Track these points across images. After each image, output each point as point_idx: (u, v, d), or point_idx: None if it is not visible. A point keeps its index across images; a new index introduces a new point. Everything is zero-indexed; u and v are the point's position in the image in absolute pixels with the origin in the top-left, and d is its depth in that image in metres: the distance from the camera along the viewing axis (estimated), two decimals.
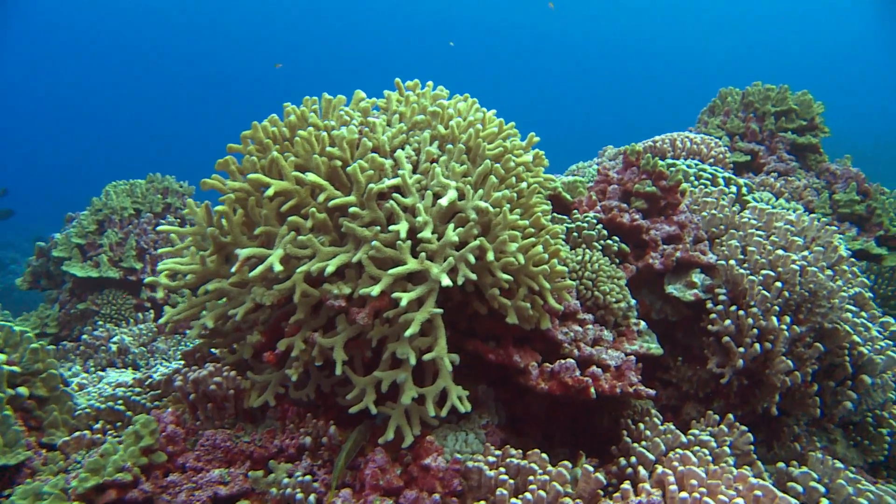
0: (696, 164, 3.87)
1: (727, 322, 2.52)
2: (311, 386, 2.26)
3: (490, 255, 2.10)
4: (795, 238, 2.73)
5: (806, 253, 2.65)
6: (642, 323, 2.59)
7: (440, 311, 2.02)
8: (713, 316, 2.59)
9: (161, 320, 2.31)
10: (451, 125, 2.34)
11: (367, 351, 2.19)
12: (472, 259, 2.05)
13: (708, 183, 3.65)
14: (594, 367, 2.25)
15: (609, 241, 2.67)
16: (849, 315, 2.65)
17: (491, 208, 2.09)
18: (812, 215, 2.98)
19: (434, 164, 2.25)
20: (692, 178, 3.68)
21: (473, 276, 2.07)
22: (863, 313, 2.78)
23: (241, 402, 2.24)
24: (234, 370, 2.25)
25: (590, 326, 2.39)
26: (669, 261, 2.69)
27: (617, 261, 2.73)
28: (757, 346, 2.43)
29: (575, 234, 2.66)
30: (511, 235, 2.15)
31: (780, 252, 2.60)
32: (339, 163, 2.18)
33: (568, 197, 2.86)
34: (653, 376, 2.84)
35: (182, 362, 2.64)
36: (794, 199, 4.20)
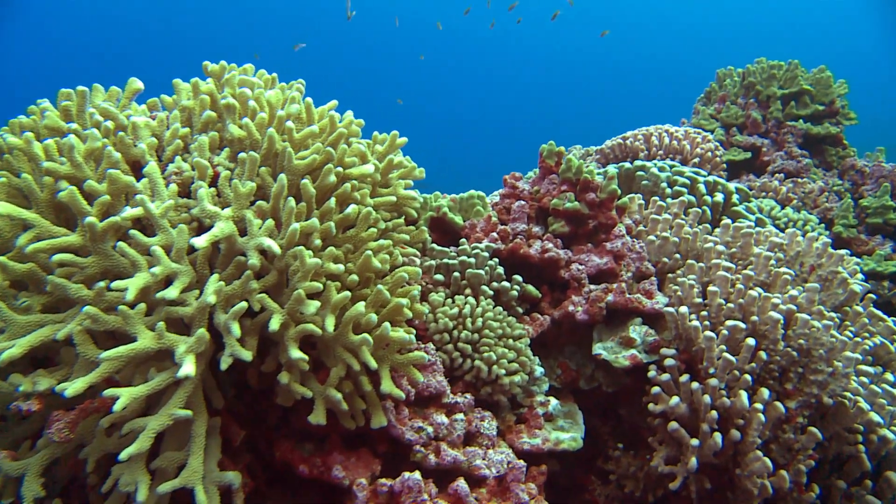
0: (672, 167, 3.19)
1: (673, 400, 1.85)
2: None
3: (276, 321, 1.46)
4: (782, 270, 2.05)
5: (795, 293, 1.97)
6: (553, 402, 1.93)
7: (187, 413, 1.39)
8: (656, 390, 1.91)
9: None
10: (247, 123, 1.70)
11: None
12: (235, 330, 1.42)
13: (684, 191, 2.98)
14: (459, 482, 1.59)
15: (504, 284, 2.00)
16: (863, 381, 1.96)
17: (276, 248, 1.47)
18: (816, 234, 2.30)
19: (202, 182, 1.62)
20: (663, 185, 3.01)
21: (246, 356, 1.44)
22: (889, 375, 2.09)
23: None
24: None
25: (459, 416, 1.73)
26: (597, 307, 2.02)
27: (521, 310, 2.07)
28: (717, 436, 1.76)
29: (457, 274, 2.00)
30: (310, 289, 1.50)
31: (754, 293, 1.92)
32: (66, 184, 1.55)
33: (457, 220, 2.20)
34: (589, 467, 2.18)
35: None
36: (807, 206, 3.50)
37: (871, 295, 2.25)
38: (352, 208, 1.68)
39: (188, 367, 1.34)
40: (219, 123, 1.85)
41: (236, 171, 1.69)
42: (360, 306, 1.55)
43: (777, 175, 3.67)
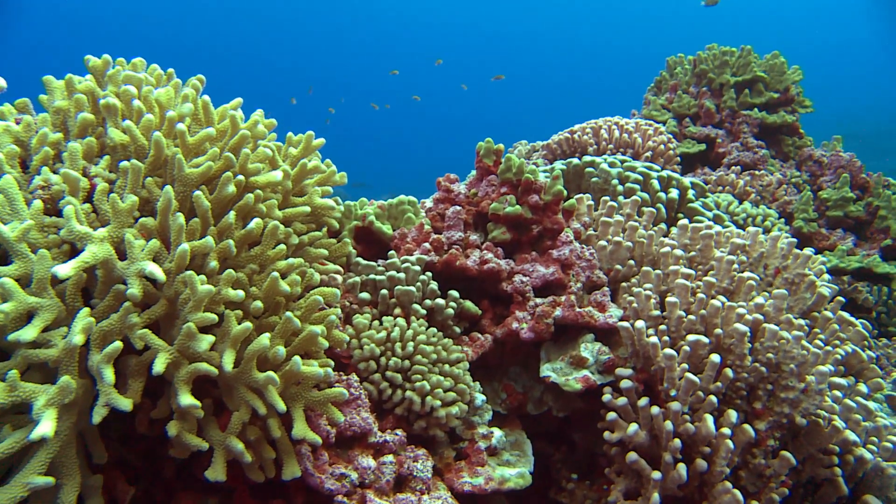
0: (623, 162, 3.05)
1: (631, 428, 1.69)
2: None
3: (160, 363, 1.26)
4: (746, 275, 1.91)
5: (761, 300, 1.83)
6: (496, 434, 1.77)
7: (47, 481, 1.18)
8: (612, 416, 1.75)
9: None
10: (128, 127, 1.49)
11: None
12: (108, 376, 1.21)
13: (636, 188, 2.84)
14: None
15: (439, 301, 1.82)
16: (836, 396, 1.84)
17: (160, 274, 1.26)
18: (778, 234, 2.19)
19: (71, 198, 1.40)
20: (614, 182, 2.87)
21: (124, 404, 1.24)
22: (861, 386, 1.97)
23: None
24: None
25: (388, 458, 1.55)
26: (543, 324, 1.86)
27: (459, 330, 1.89)
28: (681, 467, 1.61)
29: (385, 291, 1.82)
30: (202, 321, 1.30)
31: (717, 303, 1.78)
32: None
33: (385, 229, 2.01)
34: (541, 498, 2.02)
35: None
36: (765, 200, 3.40)
37: (839, 298, 2.13)
38: (255, 223, 1.49)
39: (45, 426, 1.13)
40: (100, 128, 1.63)
41: (117, 184, 1.48)
42: (265, 339, 1.36)
43: (734, 168, 3.57)
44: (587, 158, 3.14)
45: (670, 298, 1.81)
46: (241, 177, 1.55)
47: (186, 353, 1.33)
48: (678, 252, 1.97)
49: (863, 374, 2.09)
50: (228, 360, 1.33)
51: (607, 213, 2.18)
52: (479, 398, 1.79)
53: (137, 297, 1.29)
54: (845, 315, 2.08)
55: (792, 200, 3.39)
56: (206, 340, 1.31)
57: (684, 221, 2.13)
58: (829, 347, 1.94)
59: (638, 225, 2.10)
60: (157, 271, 1.29)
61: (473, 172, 2.18)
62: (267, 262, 1.53)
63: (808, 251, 2.06)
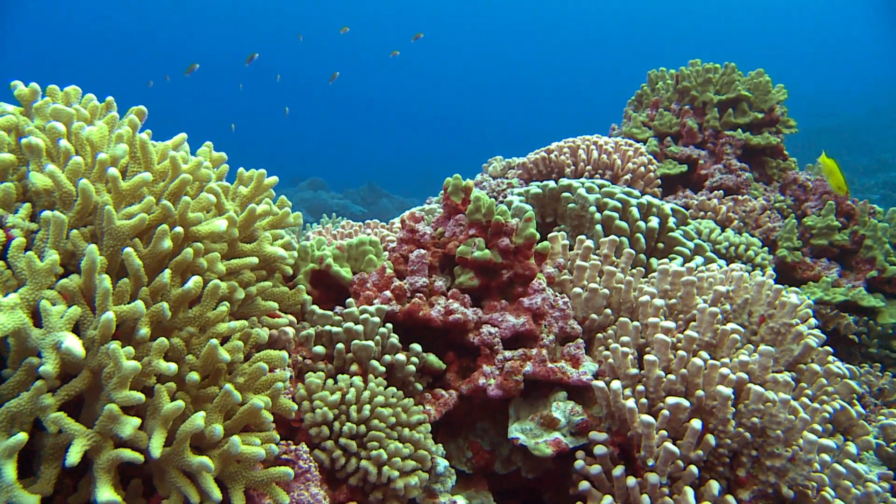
0: (602, 186, 2.95)
1: (606, 501, 1.59)
2: None
3: (75, 452, 1.13)
4: (730, 328, 1.81)
5: (745, 357, 1.73)
6: (459, 502, 1.64)
7: None
8: (585, 485, 1.65)
9: None
10: (51, 171, 1.36)
11: None
12: (7, 474, 1.08)
13: (615, 216, 2.74)
14: None
15: (399, 357, 1.70)
16: (824, 460, 1.74)
17: (78, 350, 1.13)
18: (764, 279, 2.09)
19: None
20: (591, 210, 2.76)
21: (29, 502, 1.10)
22: (850, 446, 1.87)
23: None
24: None
25: None
26: (512, 381, 1.74)
27: (420, 386, 1.77)
28: None
29: (341, 345, 1.69)
30: (126, 401, 1.18)
31: (699, 361, 1.68)
32: None
33: (344, 273, 1.89)
34: None
35: None
36: (748, 226, 3.31)
37: (828, 347, 2.04)
38: (194, 281, 1.36)
39: None
40: (23, 167, 1.49)
41: (38, 235, 1.35)
42: (199, 419, 1.23)
43: (716, 192, 3.47)
44: (564, 182, 3.04)
45: (648, 357, 1.70)
46: (179, 229, 1.41)
47: (108, 435, 1.20)
48: (657, 302, 1.87)
49: (851, 430, 2.00)
50: (157, 445, 1.20)
51: (583, 254, 2.07)
52: (442, 464, 1.67)
53: (52, 374, 1.15)
54: (833, 367, 1.99)
55: (776, 227, 3.31)
56: (131, 424, 1.18)
57: (665, 266, 2.03)
58: (816, 404, 1.85)
59: (615, 270, 1.99)
60: (76, 346, 1.16)
61: (440, 205, 2.06)
62: (207, 323, 1.40)
63: (794, 298, 1.96)
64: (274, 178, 1.76)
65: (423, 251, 1.88)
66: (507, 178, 3.73)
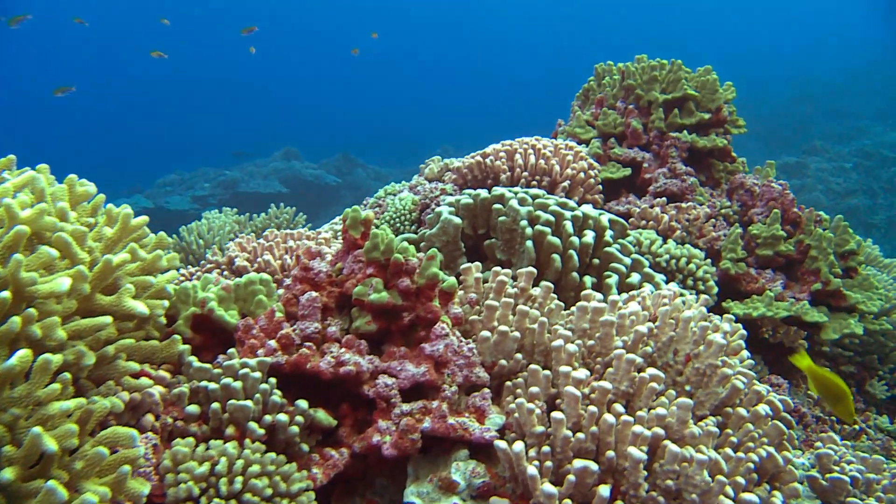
0: (536, 197, 2.82)
1: None
2: None
3: None
4: (649, 375, 1.70)
5: (663, 410, 1.62)
6: None
7: None
8: None
9: None
10: None
11: None
12: None
13: (547, 231, 2.61)
14: None
15: (281, 418, 1.56)
16: None
17: None
18: (691, 314, 1.99)
19: None
20: (522, 224, 2.63)
21: None
22: (776, 497, 1.77)
23: None
24: None
25: None
26: (408, 440, 1.61)
27: (307, 447, 1.63)
28: None
29: (217, 405, 1.54)
30: None
31: (610, 419, 1.56)
32: None
33: (228, 318, 1.73)
34: None
35: None
36: (692, 236, 3.20)
37: (757, 388, 1.93)
38: (19, 357, 1.19)
39: None
40: None
41: None
42: None
43: (658, 200, 3.35)
44: (497, 191, 2.90)
45: (556, 414, 1.57)
46: (5, 293, 1.25)
47: None
48: (570, 348, 1.74)
49: (779, 477, 1.90)
50: None
51: (497, 289, 1.93)
52: None
53: None
54: (760, 411, 1.88)
55: (720, 236, 3.20)
56: None
57: (583, 303, 1.90)
58: (741, 453, 1.74)
59: (527, 310, 1.86)
60: None
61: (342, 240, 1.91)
62: (37, 405, 1.25)
63: (718, 338, 1.84)
64: (143, 219, 1.60)
65: (314, 294, 1.73)
66: (443, 181, 3.58)
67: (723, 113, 3.65)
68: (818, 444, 2.45)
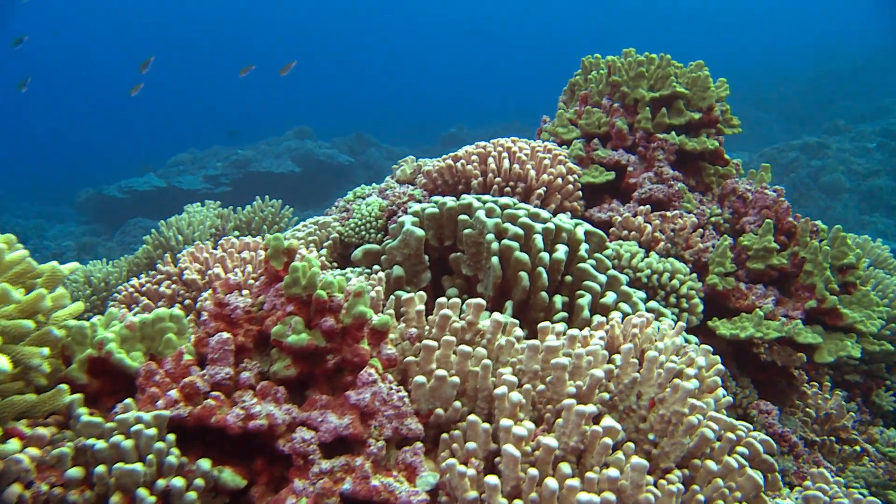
0: (505, 208, 2.62)
1: None
2: None
3: None
4: (602, 429, 1.51)
5: (614, 472, 1.43)
6: None
7: None
8: None
9: None
10: None
11: None
12: None
13: (515, 247, 2.42)
14: None
15: (175, 483, 1.37)
16: None
17: None
18: (654, 355, 1.80)
19: None
20: (489, 239, 2.44)
21: None
22: None
23: None
24: None
25: None
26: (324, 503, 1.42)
27: None
28: None
29: (102, 468, 1.36)
30: None
31: (552, 484, 1.38)
32: None
33: (129, 361, 1.55)
34: None
35: None
36: (678, 247, 2.99)
37: (729, 435, 1.74)
38: None
39: None
40: None
41: None
42: None
43: (642, 207, 3.13)
44: (465, 200, 2.71)
45: (489, 479, 1.39)
46: None
47: None
48: (514, 397, 1.54)
49: None
50: None
51: (440, 324, 1.74)
52: None
53: None
54: (733, 462, 1.69)
55: (708, 248, 2.99)
56: None
57: (534, 342, 1.70)
58: None
59: (469, 351, 1.66)
60: None
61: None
62: None
63: (687, 384, 1.65)
64: (22, 253, 1.41)
65: (225, 335, 1.54)
66: (414, 184, 3.38)
67: (714, 112, 3.42)
68: (807, 481, 2.25)
